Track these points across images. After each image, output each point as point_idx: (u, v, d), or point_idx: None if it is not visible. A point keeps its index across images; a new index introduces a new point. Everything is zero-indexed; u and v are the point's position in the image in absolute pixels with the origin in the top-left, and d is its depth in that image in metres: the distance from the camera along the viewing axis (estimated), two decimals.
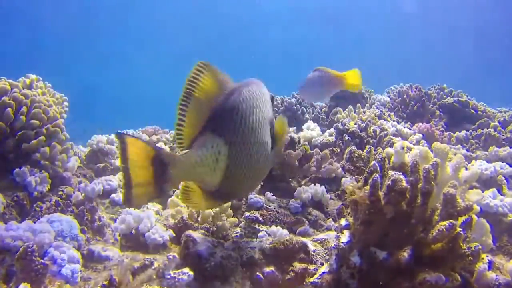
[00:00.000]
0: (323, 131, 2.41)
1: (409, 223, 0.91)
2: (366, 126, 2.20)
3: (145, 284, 0.99)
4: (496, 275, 1.00)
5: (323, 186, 1.58)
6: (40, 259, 1.00)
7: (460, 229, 0.87)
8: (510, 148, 2.15)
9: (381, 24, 20.80)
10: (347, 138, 2.09)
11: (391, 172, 0.93)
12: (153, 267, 1.07)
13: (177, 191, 1.51)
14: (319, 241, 1.29)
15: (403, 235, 0.91)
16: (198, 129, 0.99)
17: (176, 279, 1.01)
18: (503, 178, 1.73)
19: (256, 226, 1.35)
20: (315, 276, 1.06)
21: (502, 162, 1.87)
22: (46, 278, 1.00)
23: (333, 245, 1.03)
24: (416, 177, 0.91)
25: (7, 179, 1.47)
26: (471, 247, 0.87)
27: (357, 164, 1.79)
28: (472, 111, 2.97)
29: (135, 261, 1.09)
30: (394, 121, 2.71)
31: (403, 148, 1.12)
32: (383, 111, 2.83)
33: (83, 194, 1.59)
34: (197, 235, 1.17)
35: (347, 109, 2.71)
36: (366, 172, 1.00)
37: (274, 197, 1.52)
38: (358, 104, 2.77)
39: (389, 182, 0.90)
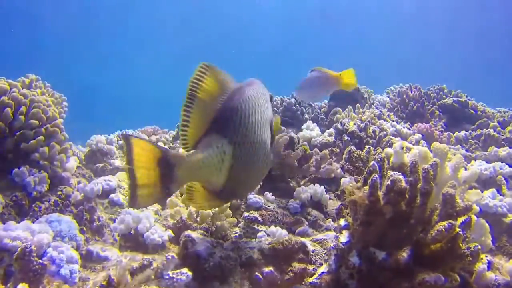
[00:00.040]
0: (322, 131, 2.41)
1: (408, 223, 0.91)
2: (366, 126, 2.20)
3: (143, 284, 0.98)
4: (496, 276, 1.00)
5: (322, 186, 1.58)
6: (39, 259, 1.00)
7: (459, 229, 0.87)
8: (510, 148, 2.15)
9: (381, 24, 20.79)
10: (346, 138, 2.09)
11: (390, 172, 0.93)
12: (151, 267, 1.06)
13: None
14: (318, 241, 1.29)
15: (402, 235, 0.91)
16: (202, 130, 1.01)
17: (175, 279, 1.01)
18: (503, 178, 1.73)
19: (255, 226, 1.35)
20: (314, 276, 1.05)
21: (502, 162, 1.87)
22: (45, 278, 1.00)
23: (332, 245, 1.03)
24: (415, 177, 0.91)
25: (5, 179, 1.47)
26: (471, 248, 0.87)
27: (357, 164, 1.79)
28: (472, 111, 2.97)
29: (133, 261, 1.09)
30: (393, 121, 2.71)
31: (402, 148, 1.12)
32: (382, 111, 2.83)
33: (82, 194, 1.59)
34: (196, 235, 1.17)
35: (346, 109, 2.71)
36: (365, 172, 1.00)
37: (273, 197, 1.52)
38: (358, 104, 2.77)
39: (388, 182, 0.90)
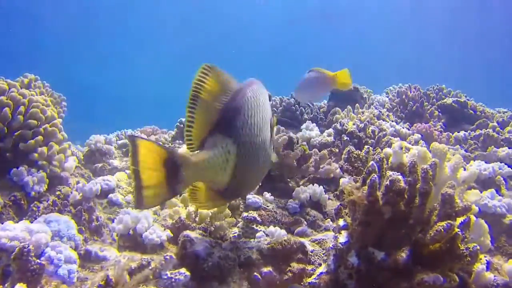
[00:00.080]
0: (321, 131, 2.41)
1: (407, 223, 0.91)
2: (365, 126, 2.20)
3: (141, 284, 0.98)
4: (494, 276, 1.00)
5: (321, 187, 1.58)
6: (37, 259, 1.00)
7: (458, 230, 0.87)
8: (509, 148, 2.15)
9: (381, 24, 20.81)
10: (345, 138, 2.09)
11: (389, 173, 0.93)
12: (150, 267, 1.06)
13: None
14: (317, 242, 1.29)
15: (401, 236, 0.91)
16: (206, 130, 1.02)
17: (173, 279, 1.01)
18: (502, 179, 1.73)
19: (254, 226, 1.35)
20: (313, 276, 1.05)
21: (501, 163, 1.87)
22: (43, 278, 0.99)
23: (331, 245, 1.03)
24: (414, 177, 0.91)
25: (4, 179, 1.47)
26: (469, 248, 0.87)
27: (356, 164, 1.78)
28: (471, 111, 2.97)
29: (132, 261, 1.09)
30: (392, 121, 2.71)
31: (401, 148, 1.12)
32: (381, 111, 2.83)
33: (80, 194, 1.59)
34: (194, 235, 1.17)
35: (345, 110, 2.71)
36: (364, 173, 1.00)
37: (272, 197, 1.52)
38: (357, 105, 2.77)
39: (387, 182, 0.89)
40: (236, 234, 1.30)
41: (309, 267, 1.15)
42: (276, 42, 21.91)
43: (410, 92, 3.04)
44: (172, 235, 1.27)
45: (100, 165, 2.10)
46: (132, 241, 1.28)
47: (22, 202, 1.42)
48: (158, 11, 20.90)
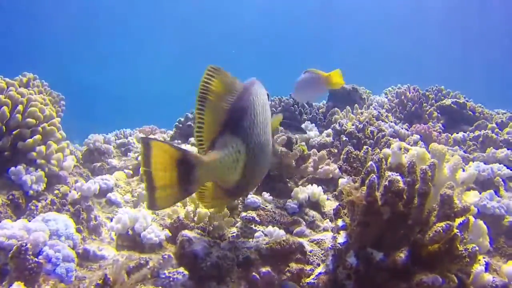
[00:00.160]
0: (320, 132, 2.41)
1: (406, 224, 0.91)
2: (364, 127, 2.19)
3: (139, 284, 0.98)
4: (493, 277, 0.99)
5: (320, 187, 1.58)
6: (34, 258, 0.99)
7: (457, 231, 0.87)
8: (508, 150, 2.15)
9: (381, 24, 20.83)
10: (344, 138, 2.09)
11: (388, 173, 0.93)
12: (148, 267, 1.06)
13: None
14: (315, 242, 1.28)
15: (399, 236, 0.91)
16: (216, 130, 1.03)
17: (171, 279, 1.00)
18: (500, 180, 1.73)
19: (253, 226, 1.35)
20: (312, 276, 1.05)
21: (500, 164, 1.87)
22: (40, 277, 0.99)
23: (329, 245, 1.03)
24: (413, 178, 0.90)
25: (2, 178, 1.46)
26: (468, 249, 0.87)
27: (354, 164, 1.78)
28: (470, 112, 2.97)
29: (130, 261, 1.09)
30: (391, 122, 2.71)
31: (400, 149, 1.12)
32: (380, 112, 2.83)
33: (79, 193, 1.58)
34: (193, 235, 1.17)
35: (344, 110, 2.70)
36: (363, 173, 1.00)
37: (271, 197, 1.52)
38: (356, 105, 2.77)
39: (386, 183, 0.89)
40: (234, 234, 1.29)
41: (308, 267, 1.15)
42: (276, 42, 21.93)
43: (409, 93, 3.04)
44: (170, 234, 1.27)
45: (98, 164, 2.09)
46: (130, 240, 1.27)
47: (20, 201, 1.42)
48: (158, 11, 20.92)
